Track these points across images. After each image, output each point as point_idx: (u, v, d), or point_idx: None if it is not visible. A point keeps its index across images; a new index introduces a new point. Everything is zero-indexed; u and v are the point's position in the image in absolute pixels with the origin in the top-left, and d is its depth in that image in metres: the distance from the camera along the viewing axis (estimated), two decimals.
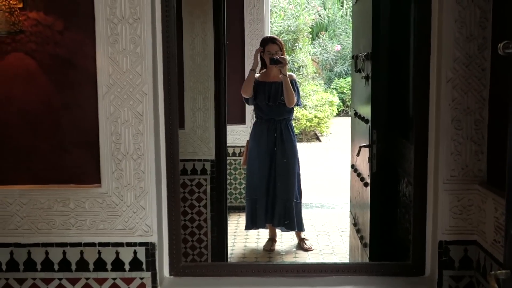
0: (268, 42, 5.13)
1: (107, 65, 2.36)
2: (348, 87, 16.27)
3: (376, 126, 3.35)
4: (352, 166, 4.13)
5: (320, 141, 13.32)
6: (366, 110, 3.56)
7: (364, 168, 3.63)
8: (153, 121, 2.40)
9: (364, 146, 3.49)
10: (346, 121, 15.13)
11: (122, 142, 2.40)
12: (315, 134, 13.75)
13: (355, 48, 4.04)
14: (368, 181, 3.48)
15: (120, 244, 2.45)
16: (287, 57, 5.25)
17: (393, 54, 3.43)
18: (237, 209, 6.59)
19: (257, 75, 5.14)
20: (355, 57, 3.88)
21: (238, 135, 6.49)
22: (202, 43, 4.26)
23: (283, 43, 5.22)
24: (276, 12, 14.53)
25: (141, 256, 2.45)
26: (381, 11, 3.27)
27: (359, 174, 3.83)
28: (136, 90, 2.37)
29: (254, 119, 5.40)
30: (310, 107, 13.29)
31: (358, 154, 3.62)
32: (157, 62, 2.39)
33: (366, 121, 3.51)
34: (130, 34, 2.35)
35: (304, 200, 6.28)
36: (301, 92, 11.16)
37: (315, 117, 13.09)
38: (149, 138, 2.39)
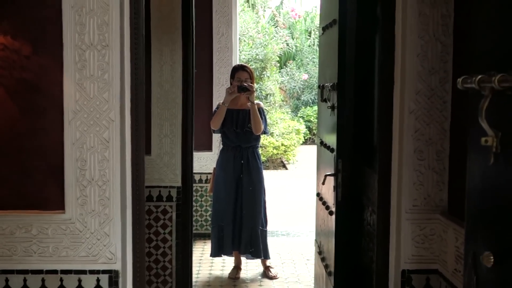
0: (238, 69, 5.20)
1: (74, 90, 2.35)
2: (314, 115, 16.45)
3: (341, 155, 3.38)
4: (318, 194, 4.16)
5: (286, 168, 13.38)
6: (331, 139, 3.60)
7: (330, 196, 3.65)
8: (119, 147, 2.39)
9: (330, 175, 3.52)
10: (313, 149, 15.36)
11: (88, 168, 2.38)
12: (282, 161, 13.81)
13: (321, 78, 4.10)
14: (333, 209, 3.51)
15: (83, 272, 2.41)
16: (255, 85, 5.30)
17: (359, 84, 3.49)
18: (203, 236, 6.55)
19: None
20: (321, 87, 3.93)
21: (205, 162, 6.49)
22: (170, 70, 4.27)
23: (253, 71, 5.29)
24: (244, 41, 14.67)
25: (104, 284, 2.41)
26: (347, 43, 3.33)
27: (324, 203, 3.86)
28: (103, 117, 2.36)
29: (221, 146, 5.42)
30: (277, 135, 13.38)
31: (323, 183, 3.65)
32: (125, 89, 2.39)
33: (332, 150, 3.54)
34: (98, 61, 2.35)
35: (270, 227, 6.29)
36: (268, 120, 11.32)
37: (282, 144, 13.18)
38: (115, 164, 2.38)
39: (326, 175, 3.57)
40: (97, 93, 2.35)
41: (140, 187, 2.57)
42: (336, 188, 3.43)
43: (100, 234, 2.40)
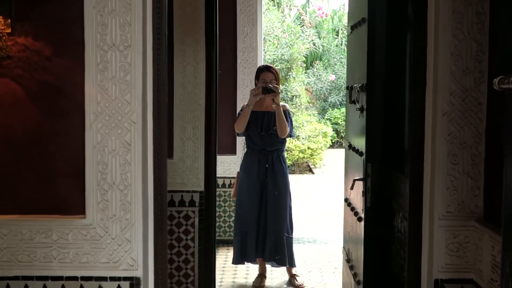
0: (263, 70, 5.20)
1: (96, 92, 2.38)
2: (342, 118, 16.38)
3: (370, 159, 3.37)
4: (346, 200, 4.14)
5: (313, 173, 13.35)
6: (360, 143, 3.59)
7: (358, 202, 3.64)
8: (141, 150, 2.41)
9: (358, 180, 3.50)
10: (340, 152, 15.30)
11: (109, 172, 2.41)
12: (308, 165, 13.78)
13: (349, 79, 4.09)
14: (362, 215, 3.49)
15: (104, 278, 2.43)
16: (280, 86, 5.30)
17: (389, 85, 3.48)
18: (226, 243, 6.56)
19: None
20: (349, 88, 3.92)
21: (229, 166, 6.50)
22: (193, 71, 4.30)
23: (278, 71, 5.29)
24: (269, 41, 14.69)
25: None
26: (376, 42, 3.32)
27: (353, 208, 3.84)
28: (125, 119, 2.39)
29: (245, 149, 5.43)
30: (303, 138, 13.36)
31: (352, 188, 3.64)
32: (147, 90, 2.41)
33: (361, 154, 3.53)
34: (120, 62, 2.37)
35: (295, 234, 6.27)
36: (294, 123, 11.32)
37: (308, 148, 13.16)
38: (137, 168, 2.40)
39: (354, 180, 3.56)
40: (119, 94, 2.38)
41: (162, 192, 2.58)
42: (365, 193, 3.42)
43: (121, 239, 2.42)
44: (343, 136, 16.71)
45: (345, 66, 15.91)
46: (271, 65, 5.40)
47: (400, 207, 3.26)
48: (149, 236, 2.47)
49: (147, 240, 2.46)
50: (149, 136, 2.44)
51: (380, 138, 3.43)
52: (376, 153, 3.43)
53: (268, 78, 5.12)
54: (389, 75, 3.37)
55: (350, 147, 3.97)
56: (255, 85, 5.25)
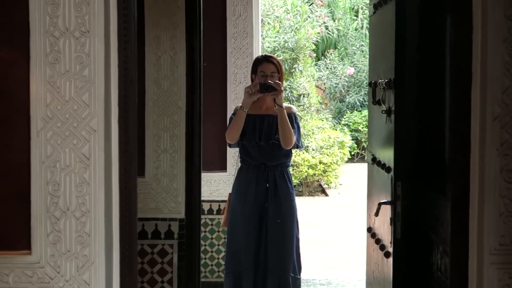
0: (261, 61, 5.19)
1: (44, 91, 2.38)
2: (364, 123, 16.44)
3: (401, 176, 3.38)
4: (369, 229, 4.14)
5: (326, 195, 13.35)
6: (387, 155, 3.59)
7: (385, 232, 3.64)
8: (104, 166, 2.41)
9: (385, 203, 3.51)
10: (362, 168, 15.26)
11: (62, 194, 2.40)
12: (320, 185, 13.78)
13: (373, 73, 4.11)
14: (391, 250, 3.49)
15: None
16: (284, 82, 5.30)
17: (423, 81, 3.49)
18: (214, 287, 6.54)
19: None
20: (373, 85, 3.94)
21: (217, 186, 6.50)
22: (171, 64, 4.31)
23: (281, 63, 5.28)
24: (269, 24, 14.74)
25: None
26: (407, 25, 3.34)
27: (378, 241, 3.84)
28: (82, 126, 2.39)
29: (239, 164, 5.42)
30: (313, 150, 13.37)
31: (377, 214, 3.64)
32: (111, 89, 2.41)
33: (388, 170, 3.53)
34: (75, 52, 2.38)
35: (304, 275, 6.25)
36: (302, 130, 11.32)
37: (320, 162, 13.17)
38: (98, 189, 2.40)
39: (380, 204, 3.57)
40: (74, 94, 2.38)
41: (131, 220, 2.58)
42: (393, 220, 3.42)
43: (78, 282, 2.42)
44: (365, 146, 16.76)
45: (367, 56, 15.82)
46: (272, 55, 5.41)
47: (440, 239, 3.26)
48: (114, 277, 2.46)
49: (111, 283, 2.45)
50: (113, 147, 2.44)
51: (413, 148, 3.43)
52: (408, 168, 3.44)
53: (268, 71, 5.12)
54: (423, 68, 3.39)
55: (374, 160, 3.98)
56: (251, 80, 5.25)
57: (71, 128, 2.40)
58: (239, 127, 5.10)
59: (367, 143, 4.71)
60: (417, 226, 3.52)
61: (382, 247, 3.70)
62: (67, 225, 2.41)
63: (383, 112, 3.60)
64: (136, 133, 2.55)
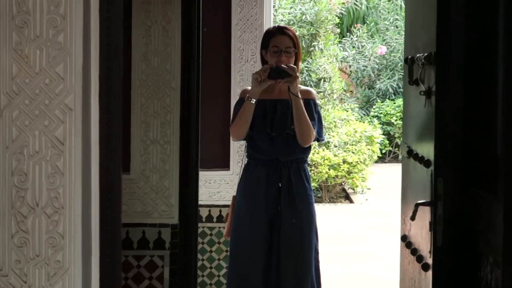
0: (274, 34, 5.17)
1: (10, 61, 2.38)
2: (398, 114, 16.41)
3: (443, 171, 3.37)
4: (403, 238, 4.14)
5: (351, 201, 13.34)
6: (426, 146, 3.58)
7: (423, 240, 3.63)
8: (81, 153, 2.41)
9: (424, 204, 3.50)
10: (395, 169, 15.20)
11: (30, 186, 2.40)
12: (344, 190, 13.77)
13: (409, 47, 4.10)
14: (430, 261, 3.48)
15: None
16: (300, 64, 5.29)
17: (472, 56, 3.47)
18: None
19: (249, 88, 5.18)
20: (409, 61, 3.93)
21: (218, 187, 6.50)
22: (163, 36, 4.32)
23: (297, 35, 5.27)
24: None
25: None
26: None
27: (414, 251, 3.84)
28: (55, 103, 2.39)
29: (246, 161, 5.43)
30: (336, 146, 13.37)
31: (413, 218, 3.63)
32: (91, 59, 2.41)
33: (427, 164, 3.53)
34: (48, 14, 2.37)
35: None
36: (323, 121, 11.15)
37: (344, 162, 13.15)
38: (74, 181, 2.40)
39: (417, 205, 3.55)
40: (46, 65, 2.38)
41: (114, 224, 2.59)
42: (433, 225, 3.41)
43: None
44: (399, 143, 16.72)
45: (403, 33, 15.72)
46: (287, 26, 5.40)
47: (490, 248, 3.25)
48: None
49: None
50: (93, 130, 2.44)
51: (459, 137, 3.42)
52: (452, 162, 3.42)
53: (282, 46, 5.12)
54: (473, 40, 3.37)
55: (411, 154, 3.97)
56: (261, 58, 5.25)
57: (41, 106, 2.40)
58: (247, 122, 5.08)
59: (402, 133, 4.70)
60: (463, 232, 3.51)
61: (420, 259, 3.69)
62: (36, 225, 2.41)
63: (422, 93, 3.58)
64: (121, 114, 2.55)
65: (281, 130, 5.18)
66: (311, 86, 13.94)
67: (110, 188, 2.53)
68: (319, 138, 5.24)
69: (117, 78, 2.52)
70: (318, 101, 5.48)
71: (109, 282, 2.54)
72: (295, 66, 5.04)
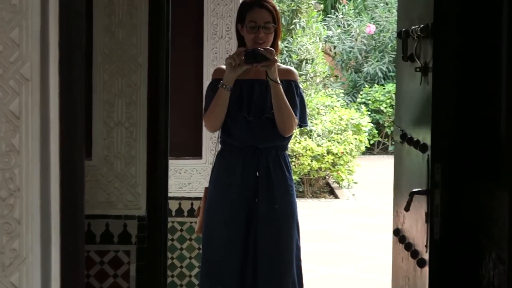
0: (252, 6, 5.14)
1: None
2: (388, 101, 16.46)
3: (441, 156, 3.39)
4: (396, 232, 4.16)
5: (336, 196, 13.38)
6: (422, 129, 3.60)
7: (418, 233, 3.65)
8: (39, 129, 2.41)
9: (419, 193, 3.52)
10: (385, 162, 15.23)
11: None
12: (328, 184, 13.81)
13: (403, 19, 4.12)
14: (426, 256, 3.51)
15: None
16: (280, 43, 5.27)
17: (471, 27, 3.49)
18: None
19: (224, 67, 5.17)
20: (403, 35, 3.95)
21: (189, 177, 6.51)
22: (128, 5, 4.30)
23: (277, 9, 5.25)
24: None
25: None
26: None
27: (408, 246, 3.86)
28: (10, 73, 2.38)
29: (219, 147, 5.43)
30: (319, 135, 13.39)
31: (407, 208, 3.65)
32: (49, 23, 2.40)
33: (423, 148, 3.55)
34: None
35: None
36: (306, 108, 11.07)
37: (329, 153, 13.17)
38: (31, 160, 2.40)
39: (412, 193, 3.57)
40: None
41: (76, 209, 2.59)
42: (430, 216, 3.43)
43: (4, 285, 2.41)
44: (389, 133, 16.77)
45: (393, 11, 15.73)
46: None
47: (493, 242, 3.27)
48: (52, 280, 2.46)
49: (49, 287, 2.46)
50: (52, 103, 2.42)
51: (457, 120, 3.44)
52: (451, 146, 3.44)
53: (260, 20, 5.11)
54: (472, 8, 3.39)
55: (404, 138, 3.99)
56: (238, 32, 5.24)
57: None
58: (222, 111, 5.07)
59: (395, 115, 4.71)
60: (462, 225, 3.53)
61: (415, 254, 3.71)
62: None
63: (417, 69, 3.60)
64: (83, 85, 2.55)
65: (259, 114, 5.17)
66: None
67: (72, 168, 2.53)
68: (301, 124, 5.25)
69: (78, 45, 2.52)
70: (300, 83, 5.46)
71: (71, 274, 2.53)
72: (272, 49, 5.00)
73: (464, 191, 3.52)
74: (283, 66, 5.29)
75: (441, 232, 3.41)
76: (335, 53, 17.97)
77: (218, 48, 6.42)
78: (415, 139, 3.76)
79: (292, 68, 5.46)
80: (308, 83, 14.13)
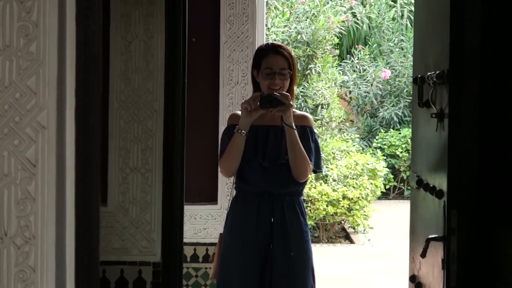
0: (268, 52, 5.14)
1: None
2: (404, 145, 16.44)
3: (457, 202, 3.37)
4: (412, 278, 4.14)
5: (352, 241, 13.31)
6: (438, 175, 3.59)
7: (435, 280, 3.63)
8: (55, 177, 2.41)
9: (435, 239, 3.50)
10: (401, 207, 15.20)
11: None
12: (344, 229, 13.74)
13: (419, 65, 4.11)
14: None
15: None
16: (295, 88, 5.27)
17: (489, 73, 3.49)
18: None
19: (239, 112, 5.17)
20: (419, 81, 3.95)
21: (204, 223, 6.50)
22: (144, 52, 4.33)
23: (292, 55, 5.25)
24: (276, 8, 14.78)
25: None
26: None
27: None
28: (27, 121, 2.39)
29: (234, 193, 5.42)
30: (335, 180, 13.36)
31: (423, 255, 3.64)
32: (66, 71, 2.42)
33: (439, 194, 3.53)
34: (19, 20, 2.38)
35: None
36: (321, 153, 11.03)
37: (344, 198, 13.13)
38: (47, 208, 2.40)
39: (428, 240, 3.56)
40: (16, 78, 2.38)
41: (91, 257, 2.58)
42: (446, 263, 3.41)
43: None
44: (405, 177, 16.74)
45: (409, 56, 15.61)
46: (282, 44, 5.39)
47: None
48: None
49: None
50: (68, 151, 2.44)
51: (476, 165, 3.43)
52: (468, 192, 3.43)
53: (276, 67, 5.11)
54: (491, 56, 3.39)
55: (420, 184, 3.98)
56: (253, 78, 5.25)
57: (11, 124, 2.40)
58: (238, 156, 5.06)
59: (411, 161, 4.70)
60: (479, 271, 3.51)
61: None
62: (4, 257, 2.41)
63: (433, 116, 3.60)
64: (99, 133, 2.55)
65: (274, 159, 5.16)
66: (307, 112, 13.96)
67: (87, 216, 2.52)
68: (316, 170, 5.24)
69: (95, 93, 2.52)
70: (315, 129, 5.45)
71: None
72: (288, 94, 4.99)
73: (481, 238, 3.50)
74: (298, 112, 5.29)
75: (457, 279, 3.39)
76: (350, 98, 17.98)
77: (234, 93, 6.43)
78: (431, 185, 3.75)
79: (308, 114, 5.46)
80: (323, 128, 14.12)
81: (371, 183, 13.74)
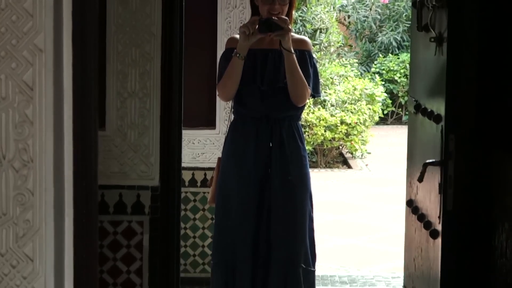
0: None
1: None
2: (402, 70, 16.40)
3: (455, 126, 3.38)
4: (409, 202, 4.16)
5: (349, 166, 13.36)
6: (436, 99, 3.59)
7: (432, 204, 3.65)
8: (53, 101, 2.40)
9: (433, 164, 3.51)
10: (398, 132, 15.18)
11: None
12: (342, 154, 13.78)
13: None
14: (439, 227, 3.50)
15: None
16: (294, 12, 5.24)
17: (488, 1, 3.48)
18: (198, 283, 6.56)
19: (238, 36, 5.15)
20: (418, 4, 3.92)
21: (202, 148, 6.51)
22: None
23: None
24: None
25: None
26: None
27: (421, 217, 3.86)
28: (24, 43, 2.38)
29: (232, 117, 5.42)
30: (333, 105, 13.35)
31: (421, 179, 3.65)
32: None
33: (437, 119, 3.54)
34: None
35: (320, 270, 6.26)
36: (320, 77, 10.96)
37: (342, 123, 13.14)
38: (45, 130, 2.39)
39: (426, 165, 3.57)
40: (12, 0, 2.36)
41: (89, 180, 2.59)
42: (443, 187, 3.43)
43: (17, 256, 2.42)
44: (403, 102, 16.72)
45: None
46: None
47: (507, 213, 3.27)
48: (66, 251, 2.47)
49: (62, 258, 2.46)
50: (65, 75, 2.42)
51: (474, 90, 3.43)
52: (465, 117, 3.43)
53: None
54: None
55: (418, 108, 3.98)
56: (252, 3, 5.22)
57: (8, 47, 2.38)
58: (236, 81, 5.05)
59: (409, 86, 4.70)
60: (475, 195, 3.53)
61: (428, 225, 3.71)
62: (3, 180, 2.41)
63: (432, 40, 3.59)
64: (97, 55, 2.54)
65: (273, 83, 5.15)
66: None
67: (85, 138, 2.53)
68: (314, 94, 5.23)
69: (92, 15, 2.51)
70: (313, 53, 5.43)
71: (84, 245, 2.54)
72: (287, 18, 4.98)
73: (478, 162, 3.51)
74: (297, 36, 5.27)
75: (454, 203, 3.41)
76: (349, 22, 17.87)
77: (232, 17, 6.39)
78: (429, 110, 3.75)
79: (306, 38, 5.43)
80: (322, 52, 14.07)
81: (369, 108, 13.74)
